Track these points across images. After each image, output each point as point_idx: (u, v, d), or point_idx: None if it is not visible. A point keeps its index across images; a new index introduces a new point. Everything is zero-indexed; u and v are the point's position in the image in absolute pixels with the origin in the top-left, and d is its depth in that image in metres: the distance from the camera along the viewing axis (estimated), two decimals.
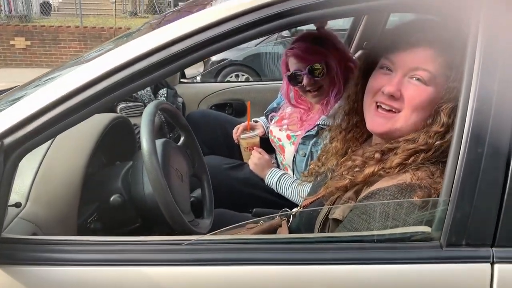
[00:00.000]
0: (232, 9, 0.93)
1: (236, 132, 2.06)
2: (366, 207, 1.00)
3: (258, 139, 2.02)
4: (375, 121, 1.09)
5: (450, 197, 0.88)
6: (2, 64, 9.26)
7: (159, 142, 1.37)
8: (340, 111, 1.27)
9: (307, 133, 1.74)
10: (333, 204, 1.10)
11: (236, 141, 2.08)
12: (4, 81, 8.13)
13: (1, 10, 10.91)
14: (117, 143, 1.54)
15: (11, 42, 9.15)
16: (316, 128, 1.72)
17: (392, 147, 1.06)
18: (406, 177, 0.99)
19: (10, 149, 0.91)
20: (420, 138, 1.02)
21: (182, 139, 1.53)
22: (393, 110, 1.06)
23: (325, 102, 1.76)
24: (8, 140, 0.91)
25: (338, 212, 1.06)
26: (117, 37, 1.65)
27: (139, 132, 1.31)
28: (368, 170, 1.05)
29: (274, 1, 0.91)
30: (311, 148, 1.74)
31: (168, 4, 13.84)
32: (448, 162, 0.90)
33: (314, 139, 1.73)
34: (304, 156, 1.76)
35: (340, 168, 1.15)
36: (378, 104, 1.09)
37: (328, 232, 1.09)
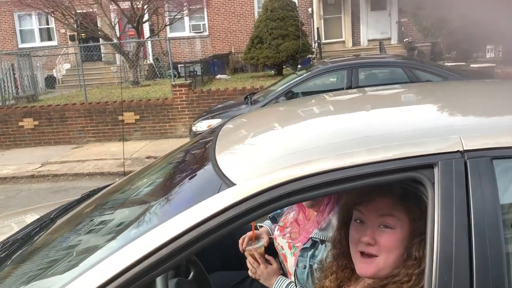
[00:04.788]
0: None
1: (242, 243, 2.20)
2: None
3: (263, 248, 2.15)
4: (361, 267, 1.28)
5: None
6: (12, 145, 9.59)
7: (172, 283, 1.54)
8: (329, 253, 1.45)
9: (304, 246, 1.89)
10: None
11: (242, 252, 2.21)
12: (14, 163, 8.26)
13: (7, 92, 11.32)
14: None
15: (20, 124, 9.53)
16: (310, 240, 1.88)
17: (382, 284, 1.25)
18: None
19: None
20: (401, 272, 1.21)
21: (191, 273, 1.69)
22: (373, 255, 1.26)
23: (320, 214, 1.92)
24: None
25: None
26: (159, 168, 1.82)
27: None
28: None
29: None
30: (309, 260, 1.88)
31: (168, 68, 14.36)
32: None
33: (311, 251, 1.88)
34: (304, 268, 1.89)
35: None
36: (361, 252, 1.28)
37: None
